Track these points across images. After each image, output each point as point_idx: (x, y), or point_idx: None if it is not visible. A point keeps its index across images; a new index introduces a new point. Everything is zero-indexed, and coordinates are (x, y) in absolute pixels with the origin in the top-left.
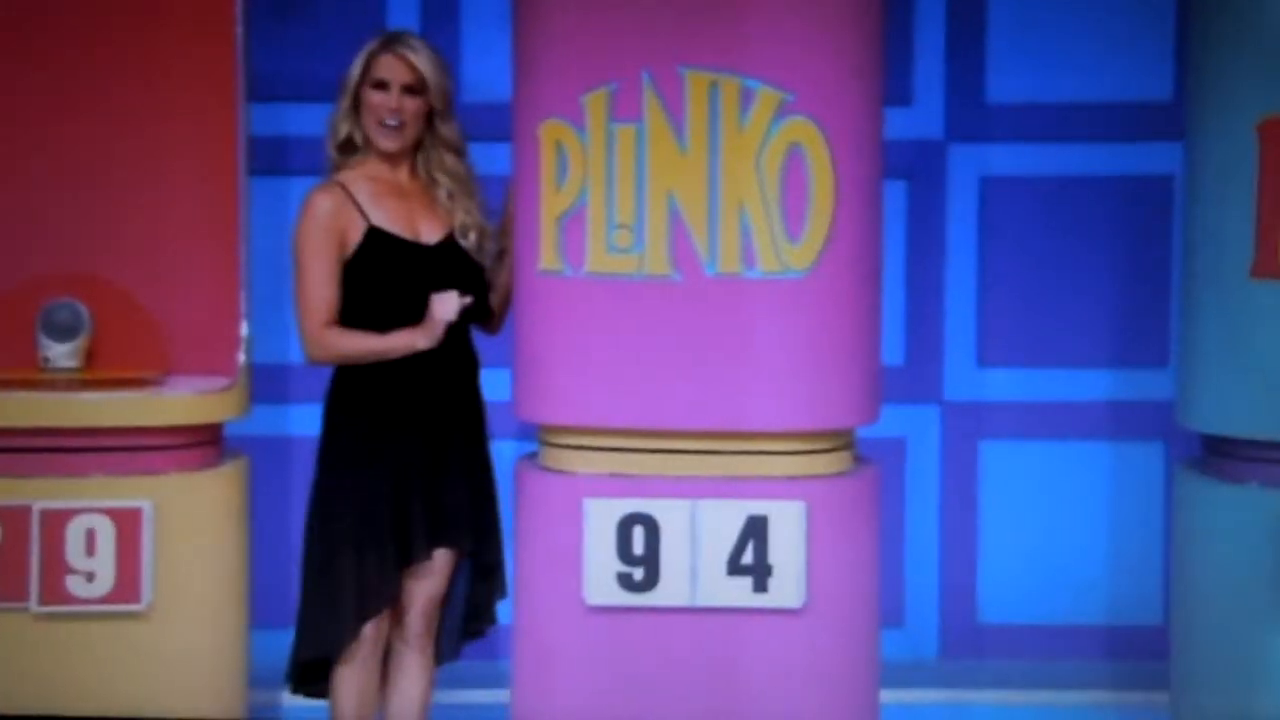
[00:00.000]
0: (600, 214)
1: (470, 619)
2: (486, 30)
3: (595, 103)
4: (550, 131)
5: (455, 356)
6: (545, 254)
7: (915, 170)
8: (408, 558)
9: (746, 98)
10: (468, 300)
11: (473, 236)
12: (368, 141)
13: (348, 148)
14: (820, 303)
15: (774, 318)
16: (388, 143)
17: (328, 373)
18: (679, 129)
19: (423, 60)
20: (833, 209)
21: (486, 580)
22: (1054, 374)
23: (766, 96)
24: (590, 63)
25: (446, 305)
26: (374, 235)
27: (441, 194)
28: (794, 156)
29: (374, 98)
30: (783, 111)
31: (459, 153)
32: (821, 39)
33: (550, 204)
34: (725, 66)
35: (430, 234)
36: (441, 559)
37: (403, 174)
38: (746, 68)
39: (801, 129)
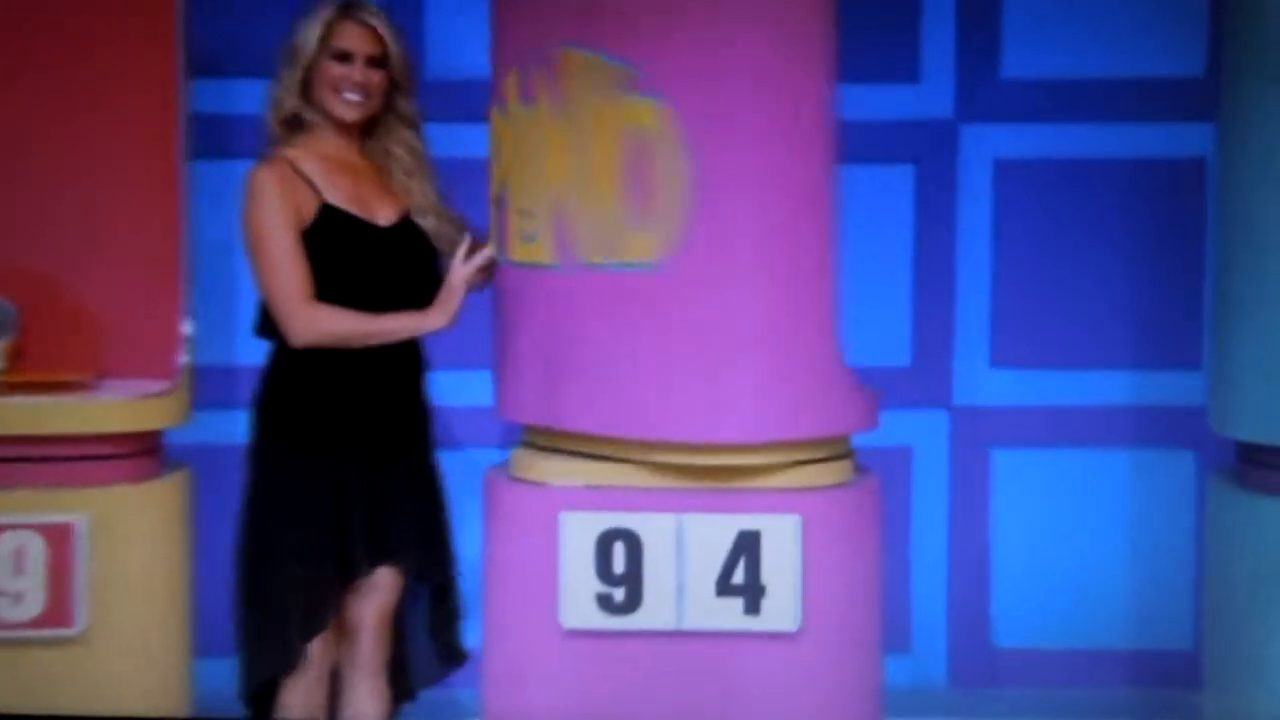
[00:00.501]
0: (513, 200)
1: (439, 649)
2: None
3: (510, 85)
4: (493, 115)
5: (401, 356)
6: (493, 242)
7: (923, 153)
8: (349, 574)
9: (602, 74)
10: (488, 253)
11: (431, 219)
12: (323, 115)
13: (294, 123)
14: (676, 300)
15: (627, 313)
16: (350, 113)
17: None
18: (560, 110)
19: (386, 30)
20: (688, 199)
21: (443, 604)
22: (1074, 376)
23: (613, 72)
24: (510, 43)
25: (466, 267)
26: (328, 213)
27: (398, 173)
28: (638, 139)
29: (335, 70)
30: (628, 88)
31: (417, 129)
32: (676, 6)
33: (493, 190)
34: (591, 42)
35: (385, 215)
36: (385, 576)
37: (353, 151)
38: (603, 42)
39: (646, 109)
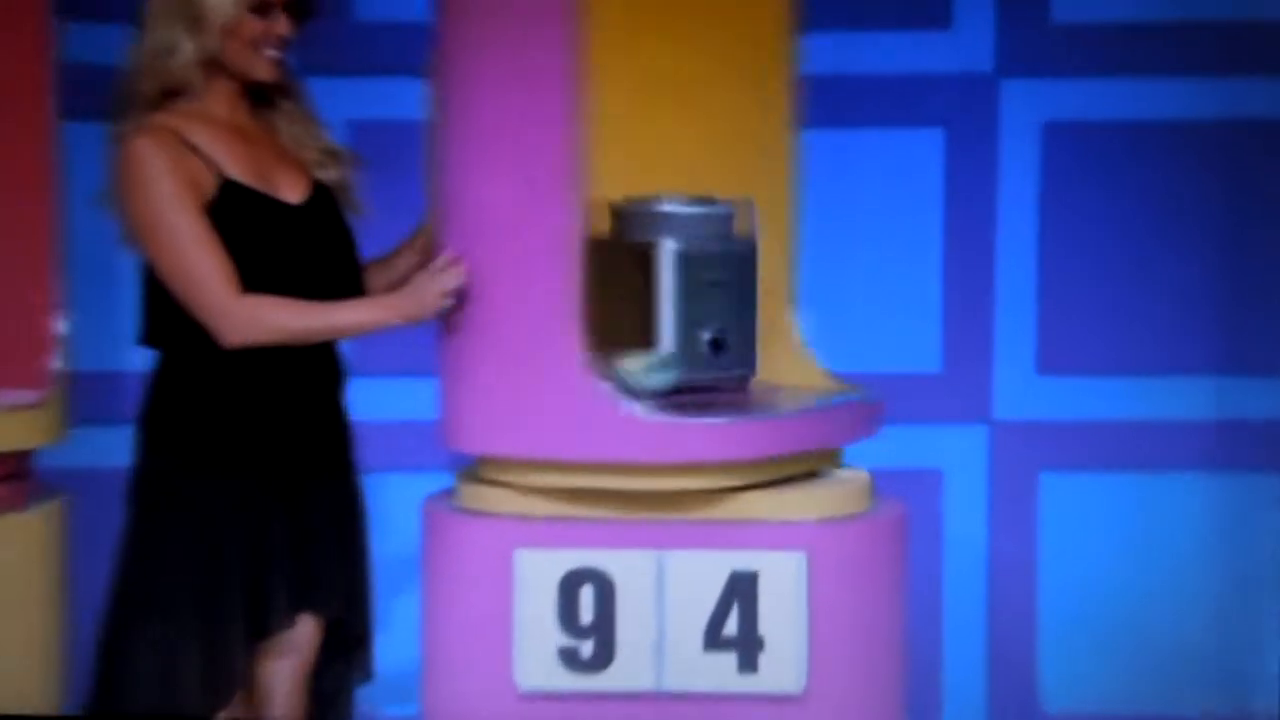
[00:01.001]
0: None
1: (323, 710)
2: None
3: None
4: None
5: (317, 361)
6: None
7: (955, 114)
8: (264, 627)
9: None
10: (457, 277)
11: (333, 170)
12: (228, 77)
13: (179, 89)
14: None
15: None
16: (272, 73)
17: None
18: None
19: None
20: None
21: (348, 657)
22: (1139, 384)
23: None
24: None
25: (444, 279)
26: (230, 192)
27: (285, 125)
28: None
29: (255, 25)
30: None
31: (297, 73)
32: None
33: None
34: None
35: (292, 189)
36: (306, 628)
37: (242, 115)
38: None
39: None
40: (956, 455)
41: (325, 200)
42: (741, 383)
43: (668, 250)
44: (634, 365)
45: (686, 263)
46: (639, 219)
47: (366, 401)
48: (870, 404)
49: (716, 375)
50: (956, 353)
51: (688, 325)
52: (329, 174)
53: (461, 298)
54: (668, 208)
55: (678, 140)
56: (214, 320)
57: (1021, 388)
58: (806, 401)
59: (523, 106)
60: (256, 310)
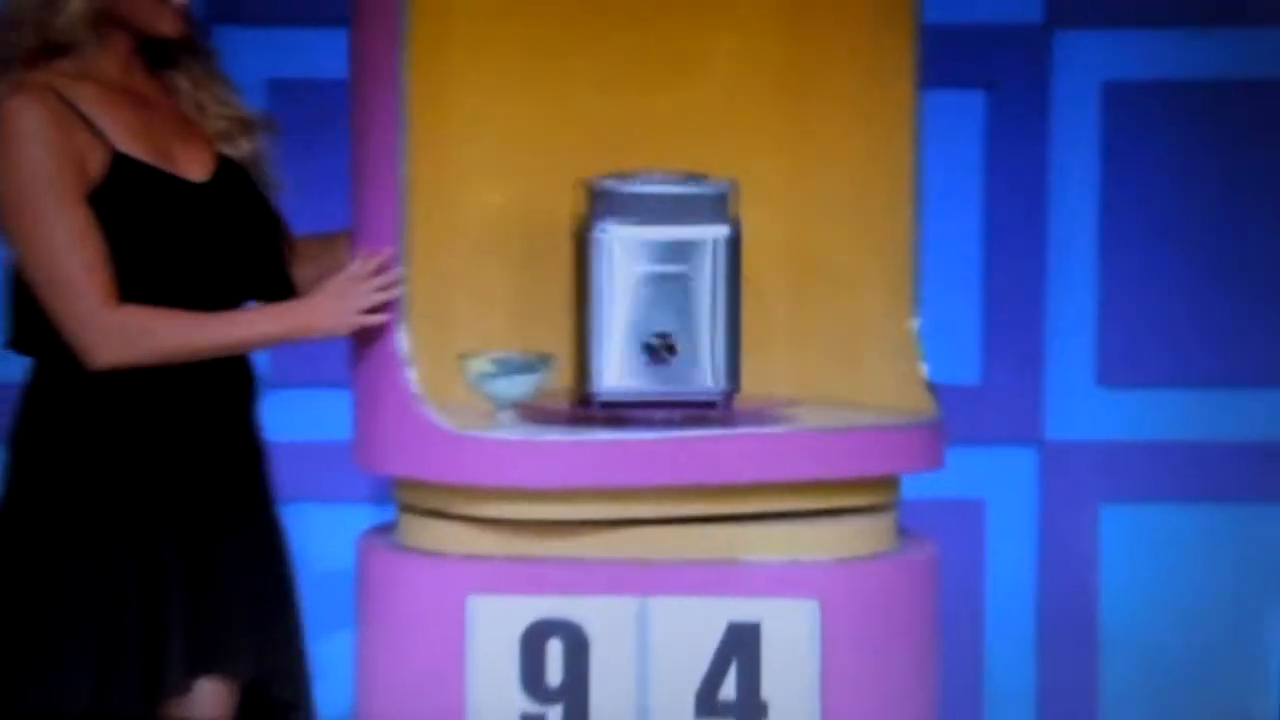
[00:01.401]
0: None
1: None
2: None
3: None
4: None
5: (221, 376)
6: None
7: (1000, 73)
8: (157, 691)
9: None
10: (393, 277)
11: (243, 141)
12: (124, 31)
13: (64, 44)
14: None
15: None
16: (179, 27)
17: (66, 390)
18: None
19: None
20: None
21: None
22: (1218, 398)
23: None
24: None
25: (366, 283)
26: (122, 168)
27: (186, 86)
28: None
29: None
30: None
31: (202, 28)
32: None
33: None
34: None
35: (193, 166)
36: (211, 694)
37: (138, 77)
38: None
39: None
40: (1000, 483)
41: (235, 178)
42: (724, 400)
43: (598, 235)
44: (480, 367)
45: (622, 250)
46: (597, 200)
47: (285, 418)
48: (911, 431)
49: (657, 389)
50: (999, 360)
51: (623, 326)
52: (240, 147)
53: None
54: (614, 186)
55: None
56: (78, 335)
57: (1078, 401)
58: (817, 424)
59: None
60: (130, 327)
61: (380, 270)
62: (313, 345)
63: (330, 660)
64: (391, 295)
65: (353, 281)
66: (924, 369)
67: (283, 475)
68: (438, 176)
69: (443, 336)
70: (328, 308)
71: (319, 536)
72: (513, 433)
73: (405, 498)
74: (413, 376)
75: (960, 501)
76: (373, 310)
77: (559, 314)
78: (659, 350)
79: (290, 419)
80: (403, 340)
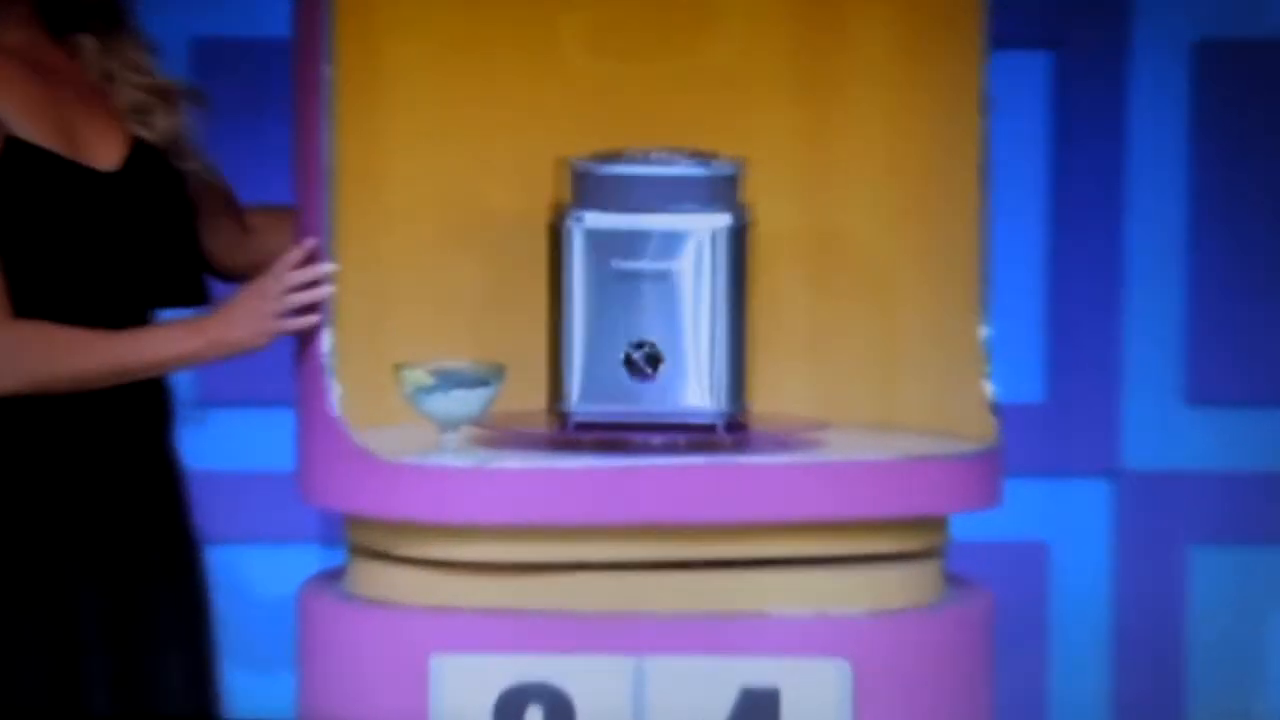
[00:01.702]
0: None
1: None
2: None
3: None
4: None
5: (133, 396)
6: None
7: (1068, 31)
8: None
9: None
10: (324, 272)
11: (193, 161)
12: None
13: None
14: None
15: None
16: None
17: None
18: None
19: None
20: None
21: None
22: None
23: None
24: None
25: (278, 288)
26: (18, 154)
27: (132, 79)
28: None
29: None
30: None
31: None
32: None
33: None
34: None
35: (102, 151)
36: None
37: (41, 45)
38: None
39: None
40: (1068, 521)
41: (148, 165)
42: (725, 423)
43: (570, 225)
44: (417, 380)
45: (599, 243)
46: (575, 183)
47: (221, 444)
48: (962, 461)
49: (641, 410)
50: (1068, 374)
51: (601, 334)
52: (155, 126)
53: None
54: (593, 167)
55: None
56: None
57: (1162, 424)
58: (843, 454)
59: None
60: (11, 345)
61: (305, 266)
62: (252, 356)
63: None
64: (318, 296)
65: (271, 282)
66: (987, 386)
67: (216, 512)
68: (382, 154)
69: (386, 345)
70: (244, 317)
71: (261, 583)
72: (455, 459)
73: (354, 537)
74: (336, 393)
75: (1020, 544)
76: (301, 313)
77: (532, 320)
78: (639, 364)
79: (226, 445)
80: (326, 349)
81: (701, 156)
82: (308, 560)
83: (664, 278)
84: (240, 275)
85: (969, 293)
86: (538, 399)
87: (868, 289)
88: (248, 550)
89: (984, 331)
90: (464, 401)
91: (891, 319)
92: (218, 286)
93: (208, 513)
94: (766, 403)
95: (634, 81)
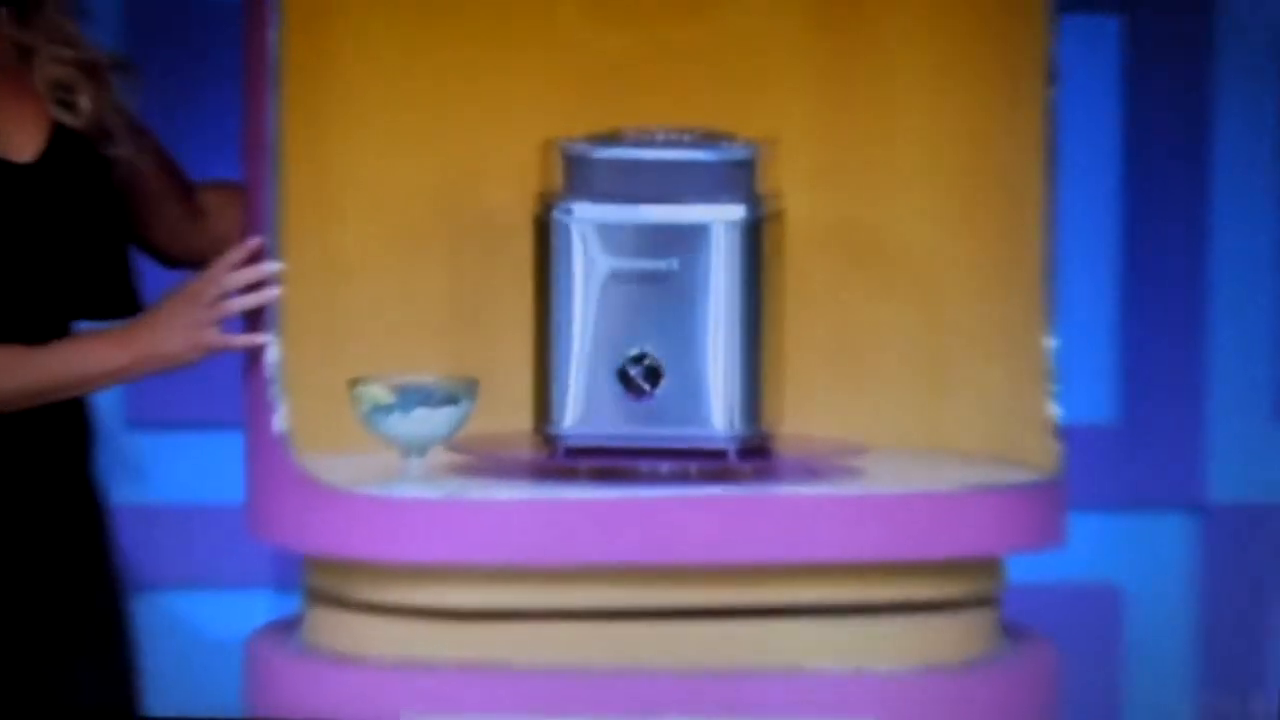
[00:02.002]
0: None
1: None
2: None
3: None
4: None
5: (50, 425)
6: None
7: None
8: None
9: None
10: (268, 269)
11: (127, 143)
12: None
13: None
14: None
15: None
16: None
17: None
18: None
19: None
20: None
21: None
22: None
23: None
24: None
25: (234, 275)
26: None
27: (54, 54)
28: None
29: None
30: None
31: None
32: None
33: None
34: None
35: (18, 141)
36: None
37: None
38: None
39: None
40: (1146, 560)
41: (73, 151)
42: (740, 448)
43: (559, 218)
44: (374, 397)
45: (593, 239)
46: (566, 169)
47: (159, 471)
48: (1021, 493)
49: (641, 433)
50: (1144, 393)
51: (595, 345)
52: (79, 109)
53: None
54: (587, 150)
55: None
56: None
57: (1251, 450)
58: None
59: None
60: None
61: (247, 266)
62: (194, 371)
63: None
64: (261, 300)
65: (207, 286)
66: (1052, 406)
67: (156, 552)
68: (336, 136)
69: (343, 358)
70: (176, 327)
71: (209, 631)
72: (422, 489)
73: (312, 580)
74: (284, 413)
75: (1089, 587)
76: (246, 321)
77: (511, 329)
78: (636, 380)
79: (166, 474)
80: (273, 363)
81: (714, 139)
82: (260, 606)
83: (669, 279)
84: (198, 263)
85: (1030, 297)
86: (518, 420)
87: (911, 291)
88: (193, 595)
89: (1048, 342)
90: (430, 422)
91: (939, 326)
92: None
93: (145, 553)
94: (792, 424)
95: (635, 53)
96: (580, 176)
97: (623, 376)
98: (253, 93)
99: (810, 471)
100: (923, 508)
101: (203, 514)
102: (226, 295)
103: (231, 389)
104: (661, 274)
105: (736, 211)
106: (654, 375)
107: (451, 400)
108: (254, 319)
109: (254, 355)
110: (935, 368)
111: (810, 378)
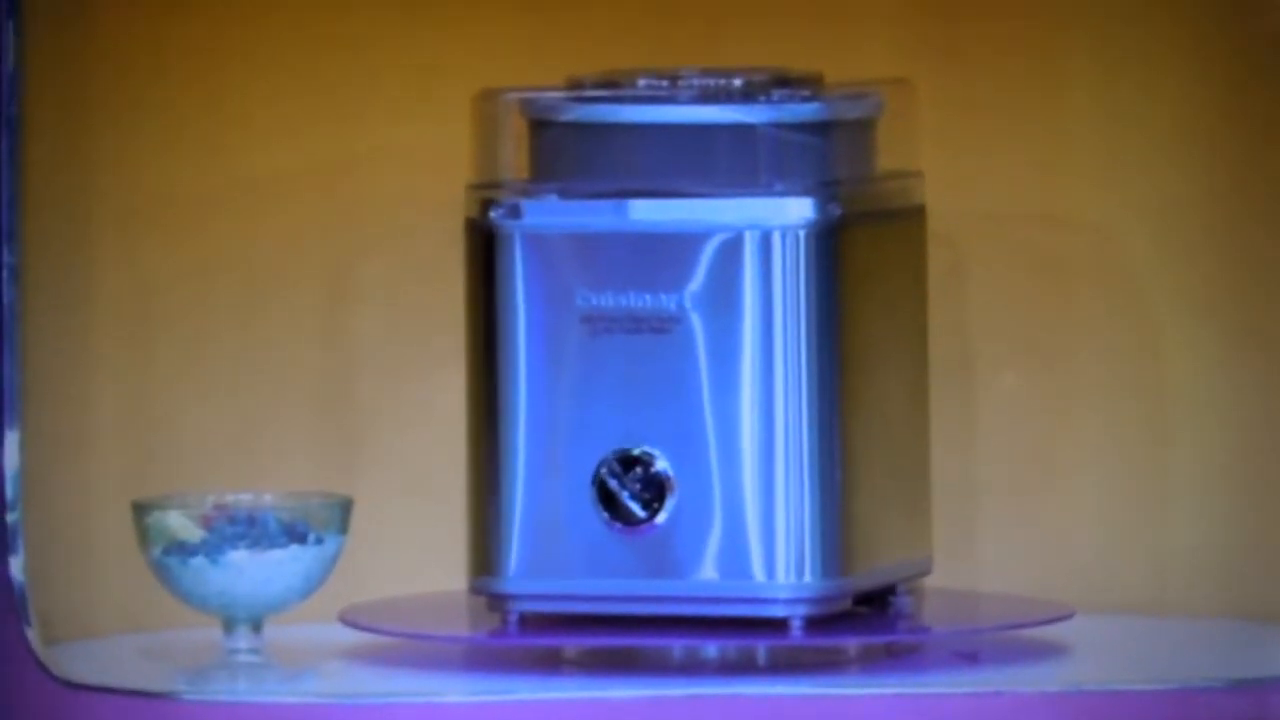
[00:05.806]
0: None
1: None
2: None
3: None
4: None
5: None
6: None
7: None
8: None
9: None
10: None
11: None
12: None
13: None
14: None
15: None
16: None
17: None
18: None
19: None
20: None
21: None
22: None
23: None
24: None
25: None
26: None
27: None
28: None
29: None
30: None
31: None
32: None
33: None
34: None
35: None
36: None
37: None
38: None
39: None
40: None
41: None
42: (824, 618)
43: (498, 224)
44: (170, 530)
45: (552, 257)
46: (524, 139)
47: None
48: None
49: (637, 589)
50: None
51: (550, 435)
52: None
53: None
54: (552, 103)
55: None
56: None
57: None
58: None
59: None
60: None
61: None
62: None
63: None
64: None
65: None
66: None
67: None
68: (141, 120)
69: (135, 463)
70: None
71: None
72: (252, 687)
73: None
74: (18, 563)
75: None
76: None
77: (428, 408)
78: (622, 501)
79: None
80: (8, 468)
81: (761, 83)
82: None
83: (681, 326)
84: None
85: None
86: (438, 568)
87: (1107, 330)
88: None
89: None
90: (270, 572)
91: (1159, 400)
92: None
93: None
94: (942, 569)
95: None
96: (541, 153)
97: (600, 490)
98: None
99: (951, 654)
100: (1150, 708)
101: None
102: None
103: None
104: (670, 317)
105: (803, 209)
106: (657, 488)
107: (303, 536)
108: None
109: None
110: (1153, 471)
111: (972, 494)
